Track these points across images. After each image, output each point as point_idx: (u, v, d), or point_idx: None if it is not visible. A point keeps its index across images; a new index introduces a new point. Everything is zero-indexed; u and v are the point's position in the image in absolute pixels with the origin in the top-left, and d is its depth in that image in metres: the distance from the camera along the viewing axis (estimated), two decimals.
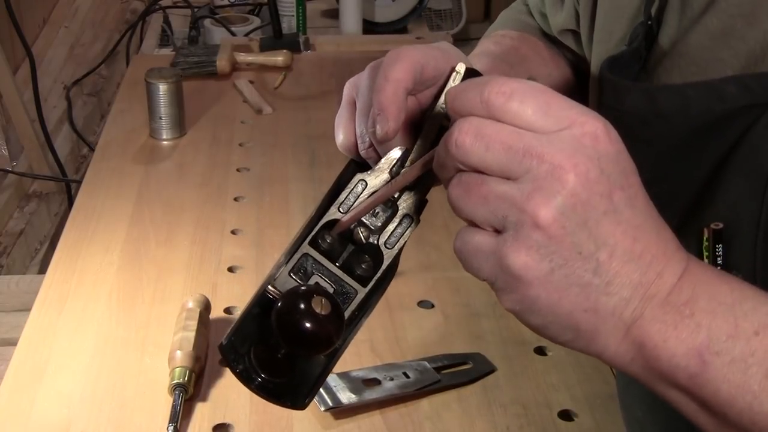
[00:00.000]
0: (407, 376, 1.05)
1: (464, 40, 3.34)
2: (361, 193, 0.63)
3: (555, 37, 0.94)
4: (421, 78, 0.63)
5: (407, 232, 0.63)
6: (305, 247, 0.62)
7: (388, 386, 1.04)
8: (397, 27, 2.27)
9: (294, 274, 0.62)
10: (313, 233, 0.62)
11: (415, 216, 0.63)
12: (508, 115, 0.52)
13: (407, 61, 0.62)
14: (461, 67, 0.63)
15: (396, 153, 0.63)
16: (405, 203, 0.63)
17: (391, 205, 0.63)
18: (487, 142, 0.52)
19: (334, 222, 0.62)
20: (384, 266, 0.63)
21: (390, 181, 0.62)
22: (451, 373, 1.07)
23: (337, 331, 0.58)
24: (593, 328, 0.53)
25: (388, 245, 0.63)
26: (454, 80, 0.63)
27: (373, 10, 2.23)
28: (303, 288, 0.59)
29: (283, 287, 0.61)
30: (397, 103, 0.61)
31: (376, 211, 0.63)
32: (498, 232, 0.53)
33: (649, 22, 0.74)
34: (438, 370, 1.07)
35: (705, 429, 0.55)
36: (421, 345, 1.12)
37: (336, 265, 0.62)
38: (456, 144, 0.52)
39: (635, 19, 0.77)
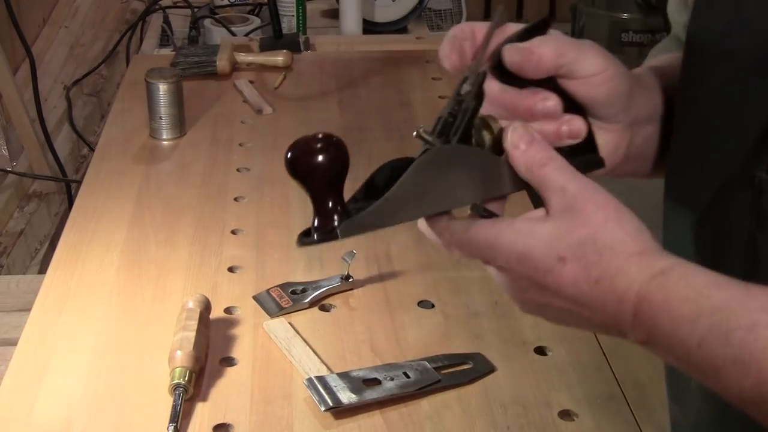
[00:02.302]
0: (407, 376, 1.05)
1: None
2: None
3: None
4: None
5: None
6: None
7: (389, 386, 1.04)
8: (397, 27, 2.27)
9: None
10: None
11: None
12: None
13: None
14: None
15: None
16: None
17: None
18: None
19: None
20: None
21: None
22: (451, 373, 1.07)
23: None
24: None
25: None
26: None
27: (373, 10, 2.23)
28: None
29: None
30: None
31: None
32: None
33: None
34: (438, 370, 1.07)
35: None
36: (421, 345, 1.12)
37: None
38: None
39: None
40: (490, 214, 0.68)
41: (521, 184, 0.68)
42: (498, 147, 0.69)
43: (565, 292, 0.63)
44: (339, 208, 0.68)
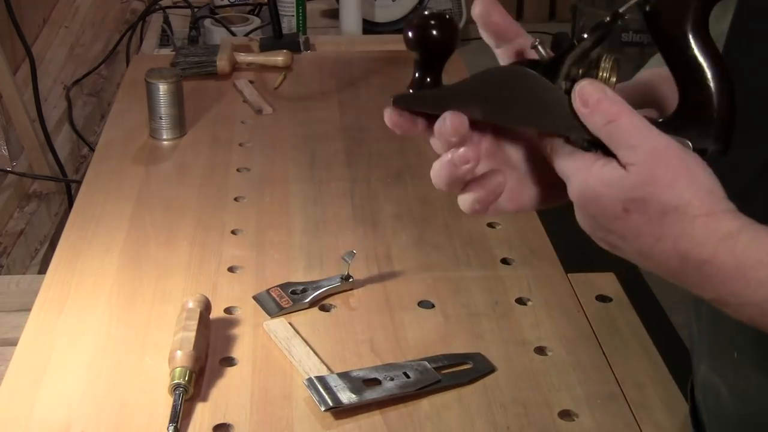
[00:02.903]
0: (407, 376, 1.05)
1: (465, 40, 3.34)
2: None
3: None
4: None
5: None
6: None
7: (389, 386, 1.04)
8: (397, 27, 2.27)
9: None
10: None
11: None
12: None
13: None
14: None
15: None
16: None
17: None
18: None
19: None
20: None
21: None
22: (451, 373, 1.07)
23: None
24: None
25: None
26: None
27: (373, 10, 2.23)
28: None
29: None
30: None
31: None
32: None
33: None
34: (438, 370, 1.07)
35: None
36: (421, 345, 1.12)
37: None
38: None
39: None
40: (590, 146, 0.68)
41: (588, 135, 0.68)
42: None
43: (630, 241, 0.65)
44: (426, 80, 0.73)
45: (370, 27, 2.21)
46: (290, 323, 1.15)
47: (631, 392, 1.06)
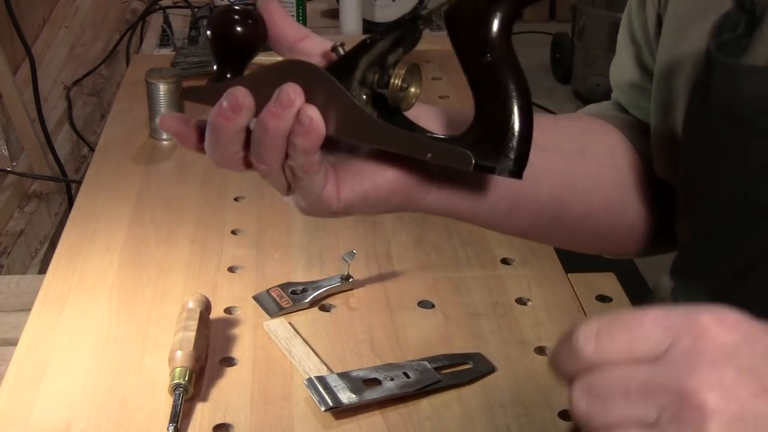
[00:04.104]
0: (407, 376, 1.05)
1: None
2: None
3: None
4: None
5: None
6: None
7: (389, 386, 1.04)
8: None
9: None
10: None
11: None
12: (606, 354, 0.47)
13: None
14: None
15: None
16: None
17: None
18: (602, 400, 0.47)
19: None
20: None
21: None
22: (451, 373, 1.07)
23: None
24: None
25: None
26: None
27: (373, 10, 2.23)
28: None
29: None
30: None
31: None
32: None
33: (752, 7, 0.67)
34: (438, 370, 1.07)
35: None
36: (421, 345, 1.12)
37: None
38: (578, 416, 0.48)
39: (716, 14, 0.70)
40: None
41: (406, 148, 0.62)
42: (399, 103, 0.64)
43: None
44: (227, 75, 0.69)
45: (370, 27, 2.21)
46: (290, 323, 1.15)
47: None
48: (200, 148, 0.71)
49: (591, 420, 0.47)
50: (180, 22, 2.26)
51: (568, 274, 1.26)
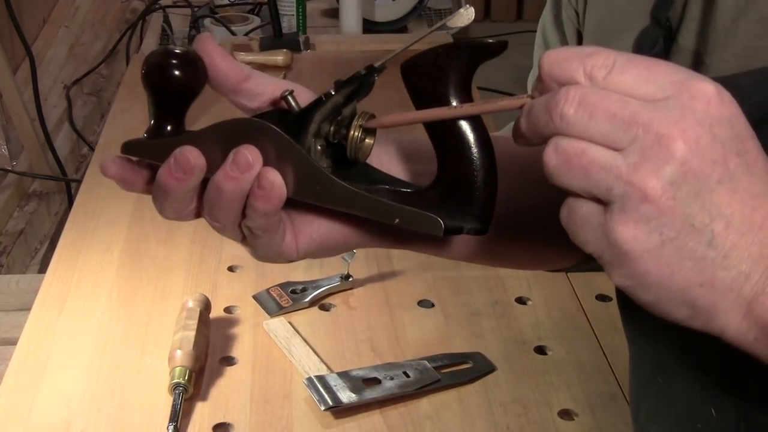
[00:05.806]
0: (407, 376, 1.05)
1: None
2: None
3: None
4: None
5: None
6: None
7: (388, 385, 1.04)
8: (397, 26, 2.27)
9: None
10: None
11: None
12: (611, 86, 0.50)
13: None
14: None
15: None
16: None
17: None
18: (591, 110, 0.49)
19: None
20: None
21: None
22: (451, 372, 1.07)
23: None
24: (710, 304, 0.50)
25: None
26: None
27: (373, 9, 2.23)
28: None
29: None
30: None
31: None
32: (602, 202, 0.50)
33: (668, 23, 0.70)
34: (438, 369, 1.07)
35: None
36: (421, 344, 1.12)
37: None
38: (561, 115, 0.50)
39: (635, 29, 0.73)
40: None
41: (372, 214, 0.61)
42: (356, 154, 0.63)
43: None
44: (165, 128, 0.65)
45: (370, 26, 2.21)
46: (290, 323, 1.15)
47: None
48: (149, 191, 0.67)
49: (570, 127, 0.50)
50: (180, 21, 2.26)
51: (568, 274, 1.26)
